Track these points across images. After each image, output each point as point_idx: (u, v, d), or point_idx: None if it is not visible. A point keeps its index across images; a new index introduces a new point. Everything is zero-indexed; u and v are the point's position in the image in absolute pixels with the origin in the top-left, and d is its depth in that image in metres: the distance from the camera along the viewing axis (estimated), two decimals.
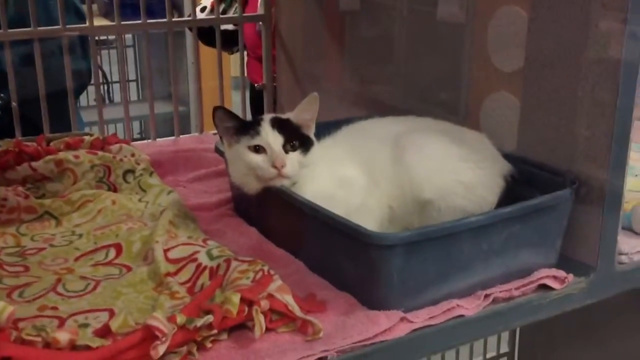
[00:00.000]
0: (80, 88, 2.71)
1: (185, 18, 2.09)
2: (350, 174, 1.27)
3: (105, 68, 4.32)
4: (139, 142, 1.92)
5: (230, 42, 2.13)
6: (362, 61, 1.85)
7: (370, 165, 1.28)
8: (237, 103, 2.08)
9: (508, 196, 1.26)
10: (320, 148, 1.27)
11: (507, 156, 1.31)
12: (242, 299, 1.01)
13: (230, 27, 2.14)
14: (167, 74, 3.16)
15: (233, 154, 1.26)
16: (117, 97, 4.42)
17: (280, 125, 1.23)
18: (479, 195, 1.24)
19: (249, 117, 2.03)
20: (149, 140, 1.95)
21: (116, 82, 4.49)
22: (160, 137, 1.96)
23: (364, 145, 1.31)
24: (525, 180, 1.28)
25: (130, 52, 4.70)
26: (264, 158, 1.21)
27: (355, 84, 1.88)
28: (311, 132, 1.27)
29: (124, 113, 1.92)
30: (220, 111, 1.24)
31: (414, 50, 1.68)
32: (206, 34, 2.06)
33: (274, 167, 1.19)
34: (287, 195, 1.20)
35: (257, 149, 1.21)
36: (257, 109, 2.24)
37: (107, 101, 4.37)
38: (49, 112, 1.78)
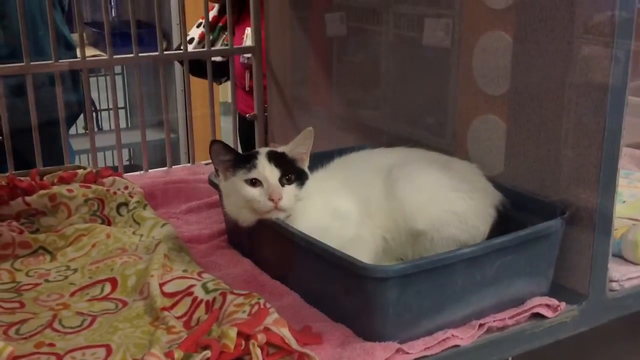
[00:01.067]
0: (71, 119, 2.72)
1: (177, 51, 2.09)
2: (344, 206, 1.28)
3: (94, 95, 4.31)
4: (131, 173, 1.93)
5: (217, 73, 2.15)
6: (350, 87, 1.87)
7: (363, 197, 1.29)
8: (225, 128, 2.09)
9: (499, 225, 1.27)
10: (313, 180, 1.28)
11: (497, 185, 1.33)
12: (239, 333, 1.01)
13: (217, 58, 2.16)
14: (156, 101, 3.19)
15: (229, 186, 1.27)
16: (105, 125, 4.42)
17: (277, 159, 1.24)
18: (471, 225, 1.26)
19: (238, 148, 2.05)
20: (141, 172, 1.96)
21: (105, 109, 4.50)
22: (150, 165, 1.97)
23: (356, 177, 1.32)
24: (515, 209, 1.30)
25: (118, 79, 4.71)
26: (261, 191, 1.22)
27: (343, 110, 1.90)
28: (305, 166, 1.29)
29: (116, 142, 1.93)
30: (217, 145, 1.25)
31: (400, 75, 1.70)
32: (194, 65, 2.07)
33: (271, 200, 1.21)
34: (282, 228, 1.21)
35: (254, 183, 1.22)
36: (246, 140, 2.25)
37: (95, 129, 4.36)
38: (41, 143, 1.79)
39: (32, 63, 1.76)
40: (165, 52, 1.92)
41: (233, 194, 1.26)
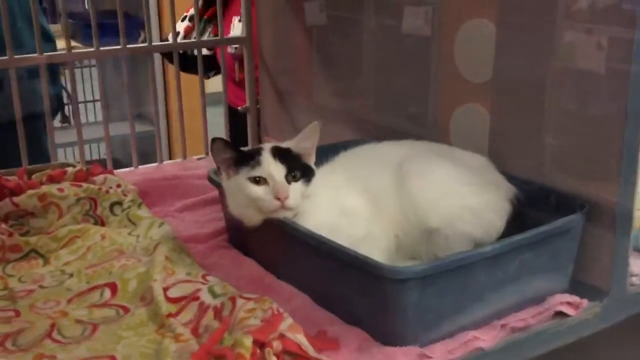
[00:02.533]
0: (51, 113, 2.64)
1: (166, 42, 2.01)
2: (353, 203, 1.23)
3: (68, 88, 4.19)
4: (120, 170, 1.85)
5: (205, 67, 2.08)
6: (333, 75, 1.83)
7: (372, 193, 1.24)
8: (212, 120, 2.02)
9: (514, 220, 1.23)
10: (320, 176, 1.22)
11: (510, 177, 1.28)
12: (254, 341, 0.96)
13: (204, 52, 2.08)
14: (134, 94, 3.10)
15: (232, 185, 1.21)
16: (83, 118, 4.30)
17: (282, 155, 1.18)
18: (486, 220, 1.21)
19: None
20: (131, 168, 1.89)
21: (82, 102, 4.39)
22: (127, 159, 1.89)
23: (364, 172, 1.27)
24: (529, 203, 1.25)
25: (94, 71, 4.58)
26: (266, 189, 1.16)
27: (326, 99, 1.86)
28: (312, 162, 1.23)
29: (105, 136, 1.86)
30: (218, 142, 1.19)
31: (382, 63, 1.66)
32: (181, 60, 2.00)
33: (277, 198, 1.15)
34: (290, 227, 1.15)
35: (258, 180, 1.16)
36: (238, 133, 2.18)
37: (72, 122, 4.24)
38: (12, 141, 1.72)
39: (15, 56, 1.68)
40: (154, 44, 1.84)
41: (237, 193, 1.20)
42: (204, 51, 1.96)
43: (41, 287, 1.23)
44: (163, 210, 1.59)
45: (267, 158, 1.17)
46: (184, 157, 1.96)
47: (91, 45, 1.77)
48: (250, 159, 1.18)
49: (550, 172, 1.26)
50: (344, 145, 1.38)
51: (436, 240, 1.21)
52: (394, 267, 1.01)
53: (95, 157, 3.80)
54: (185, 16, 2.43)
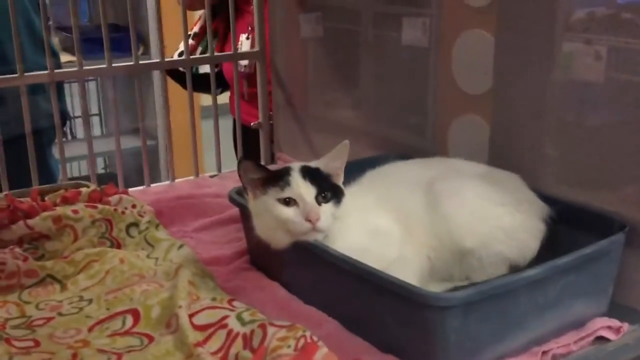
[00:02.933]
0: (54, 129, 2.60)
1: (152, 61, 1.96)
2: (384, 224, 1.19)
3: (68, 101, 4.12)
4: (132, 189, 1.81)
5: (209, 84, 2.03)
6: (330, 87, 1.82)
7: (403, 214, 1.20)
8: (205, 132, 1.97)
9: (548, 240, 1.19)
10: (348, 197, 1.18)
11: (543, 197, 1.24)
12: None
13: (208, 69, 2.03)
14: (132, 107, 3.06)
15: (259, 206, 1.17)
16: (80, 133, 4.24)
17: (311, 175, 1.14)
18: (520, 240, 1.17)
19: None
20: (143, 187, 1.85)
21: (79, 117, 4.31)
22: (127, 173, 1.85)
23: (394, 192, 1.23)
24: (563, 222, 1.21)
25: (92, 85, 4.53)
26: (296, 211, 1.12)
27: (320, 110, 1.85)
28: (340, 181, 1.19)
29: (117, 153, 1.81)
30: (246, 163, 1.15)
31: (380, 75, 1.65)
32: (194, 79, 1.95)
33: (308, 220, 1.11)
34: (321, 250, 1.11)
35: (288, 202, 1.12)
36: (247, 149, 2.14)
37: (69, 137, 4.19)
38: (14, 158, 1.68)
39: (26, 74, 1.64)
40: (140, 62, 1.79)
41: (265, 215, 1.16)
42: (208, 69, 1.92)
43: (60, 314, 1.19)
44: (180, 230, 1.55)
45: (296, 178, 1.14)
46: (197, 174, 1.92)
47: (90, 60, 1.73)
48: (279, 179, 1.14)
49: (553, 184, 1.25)
50: (370, 162, 1.34)
51: (470, 262, 1.17)
52: (437, 293, 0.97)
53: (85, 173, 3.72)
54: (189, 34, 2.37)
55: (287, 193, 1.13)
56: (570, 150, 1.23)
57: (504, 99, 1.31)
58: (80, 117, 4.12)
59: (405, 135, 1.60)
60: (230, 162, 2.03)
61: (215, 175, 1.93)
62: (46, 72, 1.67)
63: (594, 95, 1.17)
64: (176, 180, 1.90)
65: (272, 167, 1.97)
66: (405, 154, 1.46)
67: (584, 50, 1.15)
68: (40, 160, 1.78)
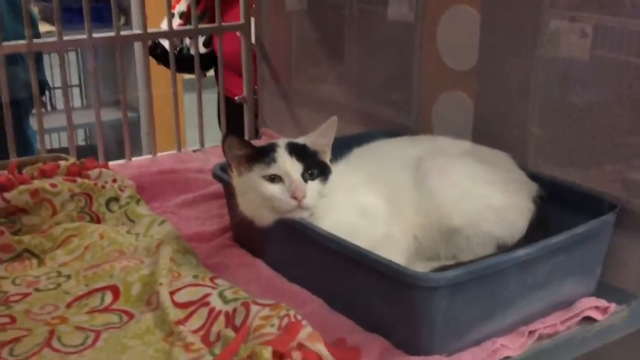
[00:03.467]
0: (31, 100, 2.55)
1: (135, 32, 1.90)
2: (371, 202, 1.16)
3: (47, 73, 4.04)
4: (113, 162, 1.77)
5: (203, 64, 1.97)
6: (313, 61, 1.80)
7: (391, 192, 1.17)
8: (188, 105, 1.93)
9: (537, 219, 1.17)
10: (335, 174, 1.15)
11: (532, 176, 1.22)
12: (273, 352, 0.89)
13: (202, 50, 1.99)
14: (113, 78, 2.99)
15: (244, 183, 1.14)
16: (60, 105, 4.16)
17: (298, 151, 1.12)
18: (509, 220, 1.15)
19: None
20: (125, 160, 1.81)
21: (59, 87, 4.23)
22: (108, 147, 1.80)
23: (382, 170, 1.20)
24: (553, 201, 1.19)
25: (72, 56, 4.44)
26: (282, 188, 1.09)
27: (305, 85, 1.83)
28: (328, 159, 1.16)
29: (97, 126, 1.76)
30: (231, 138, 1.12)
31: (365, 50, 1.63)
32: (166, 58, 1.89)
33: (294, 198, 1.08)
34: (307, 228, 1.09)
35: (273, 178, 1.10)
36: (235, 123, 2.10)
37: (49, 108, 4.11)
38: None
39: (4, 44, 1.60)
40: (122, 34, 1.74)
41: (250, 192, 1.13)
42: (203, 49, 1.88)
43: (37, 290, 1.16)
44: (162, 206, 1.52)
45: (282, 155, 1.11)
46: (179, 149, 1.88)
47: (70, 30, 1.68)
48: (264, 155, 1.11)
49: (539, 162, 1.25)
50: (357, 139, 1.32)
51: (457, 241, 1.15)
52: (425, 274, 0.95)
53: (64, 145, 3.66)
54: (173, 13, 2.28)
55: (272, 170, 1.10)
56: (555, 128, 1.22)
57: (489, 76, 1.30)
58: (60, 88, 4.08)
59: (389, 112, 1.58)
60: (214, 136, 2.00)
61: (198, 150, 1.89)
62: (25, 42, 1.62)
63: (579, 73, 1.16)
64: (158, 154, 1.86)
65: (256, 142, 1.95)
66: (393, 131, 1.44)
67: (569, 27, 1.14)
68: (17, 131, 1.74)
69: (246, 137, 1.98)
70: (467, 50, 1.32)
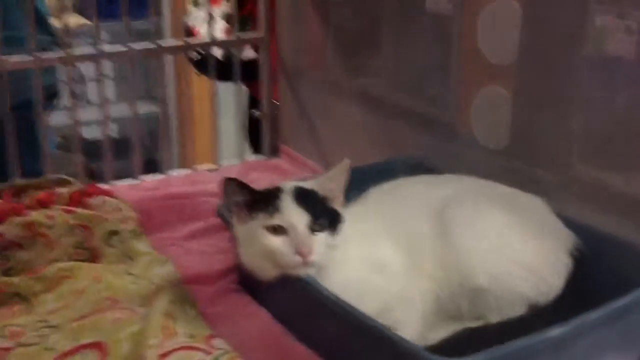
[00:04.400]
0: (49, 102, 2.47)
1: (176, 42, 1.78)
2: (387, 256, 1.04)
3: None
4: (121, 182, 1.68)
5: (250, 73, 1.85)
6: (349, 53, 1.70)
7: (410, 243, 1.05)
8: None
9: (574, 275, 1.04)
10: (348, 220, 1.03)
11: (569, 224, 1.09)
12: None
13: (250, 55, 1.88)
14: (145, 69, 2.90)
15: (245, 232, 1.03)
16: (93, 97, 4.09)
17: (305, 198, 1.00)
18: (543, 278, 1.02)
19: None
20: (132, 181, 1.71)
21: (92, 80, 4.15)
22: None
23: (400, 216, 1.08)
24: (590, 252, 1.06)
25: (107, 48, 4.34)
26: (285, 241, 0.98)
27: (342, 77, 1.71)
28: (339, 205, 1.04)
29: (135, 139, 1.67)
30: (230, 183, 1.01)
31: (402, 42, 1.55)
32: (220, 69, 1.78)
33: (299, 253, 0.96)
34: (313, 289, 0.97)
35: (277, 230, 0.98)
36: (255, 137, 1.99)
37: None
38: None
39: (10, 58, 1.54)
40: (161, 45, 1.65)
41: (250, 242, 1.02)
42: (251, 54, 1.78)
43: (20, 344, 1.06)
44: (169, 237, 1.41)
45: (287, 203, 0.99)
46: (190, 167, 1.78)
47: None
48: (267, 202, 1.00)
49: (578, 164, 1.19)
50: (375, 170, 1.22)
51: (483, 300, 1.02)
52: (444, 358, 0.83)
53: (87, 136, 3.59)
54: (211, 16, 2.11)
55: (276, 220, 0.98)
56: (599, 127, 1.15)
57: (530, 72, 1.24)
58: (95, 80, 3.99)
59: (425, 106, 1.51)
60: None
61: (214, 170, 1.79)
62: (61, 54, 1.59)
63: (624, 71, 1.10)
64: (171, 173, 1.77)
65: (274, 161, 1.84)
66: (412, 160, 1.37)
67: (616, 24, 1.08)
68: (29, 134, 1.67)
69: (264, 155, 1.87)
70: (508, 44, 1.25)
